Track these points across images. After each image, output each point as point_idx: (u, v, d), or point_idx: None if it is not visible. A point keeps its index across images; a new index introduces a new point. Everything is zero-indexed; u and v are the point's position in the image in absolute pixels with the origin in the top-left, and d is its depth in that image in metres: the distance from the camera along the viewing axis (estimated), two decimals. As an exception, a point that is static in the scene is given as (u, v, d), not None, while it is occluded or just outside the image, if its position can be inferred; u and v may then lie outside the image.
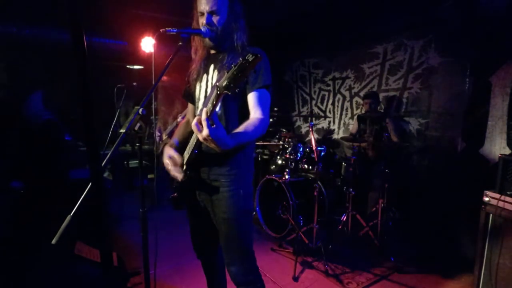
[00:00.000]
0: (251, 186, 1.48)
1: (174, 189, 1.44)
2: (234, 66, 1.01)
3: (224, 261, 1.43)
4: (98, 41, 4.49)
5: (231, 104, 1.33)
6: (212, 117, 1.10)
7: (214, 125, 1.09)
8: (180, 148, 1.49)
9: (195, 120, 1.08)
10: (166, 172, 1.42)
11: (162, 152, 1.47)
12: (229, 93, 1.04)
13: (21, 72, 3.81)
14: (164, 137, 3.81)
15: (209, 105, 1.12)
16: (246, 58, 1.00)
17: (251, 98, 1.31)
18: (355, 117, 3.82)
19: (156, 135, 3.93)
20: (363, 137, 3.44)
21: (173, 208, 1.46)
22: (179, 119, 3.88)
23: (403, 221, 3.17)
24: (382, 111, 3.79)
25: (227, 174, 1.35)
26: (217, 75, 1.36)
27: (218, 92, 1.06)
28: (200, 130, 1.07)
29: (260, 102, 1.31)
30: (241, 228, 1.39)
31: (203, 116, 1.08)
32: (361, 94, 4.07)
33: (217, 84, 1.05)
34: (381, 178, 3.06)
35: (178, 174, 1.37)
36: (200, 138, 1.09)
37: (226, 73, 1.04)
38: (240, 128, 1.23)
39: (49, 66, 3.89)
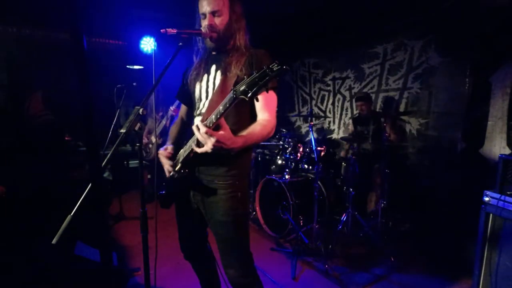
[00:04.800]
0: (249, 187, 1.47)
1: (163, 187, 1.43)
2: (257, 72, 0.98)
3: (221, 263, 1.42)
4: (98, 41, 4.50)
5: (240, 105, 1.31)
6: (218, 123, 1.09)
7: (220, 131, 1.08)
8: (175, 147, 1.48)
9: (202, 129, 1.07)
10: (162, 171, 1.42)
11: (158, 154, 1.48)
12: (246, 99, 1.00)
13: (21, 72, 3.81)
14: (154, 139, 3.81)
15: (221, 107, 1.10)
16: (271, 66, 0.96)
17: (259, 100, 1.29)
18: (351, 119, 3.83)
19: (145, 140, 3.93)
20: (362, 138, 3.45)
21: (160, 206, 1.45)
22: (163, 121, 3.89)
23: (403, 221, 3.17)
24: (380, 111, 3.79)
25: (224, 175, 1.33)
26: (220, 75, 1.35)
27: (234, 96, 1.03)
28: (206, 141, 1.08)
29: (268, 104, 1.29)
30: (238, 231, 1.37)
31: (202, 130, 1.07)
32: (361, 94, 4.07)
33: (235, 87, 1.02)
34: (381, 178, 3.06)
35: (169, 168, 1.37)
36: (208, 149, 1.09)
37: (245, 77, 1.00)
38: (247, 130, 1.23)
39: (49, 66, 3.89)
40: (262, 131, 1.24)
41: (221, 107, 1.09)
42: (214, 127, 1.11)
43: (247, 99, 1.00)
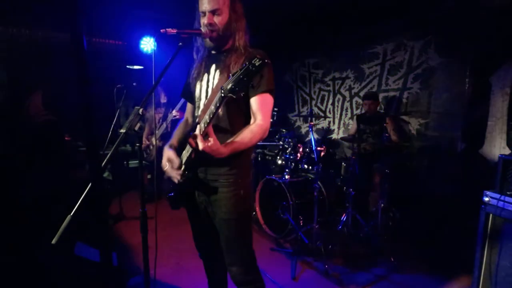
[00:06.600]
0: (251, 186, 1.48)
1: (171, 189, 1.44)
2: (240, 69, 1.02)
3: (225, 261, 1.43)
4: (98, 41, 4.50)
5: (235, 106, 1.33)
6: (207, 130, 1.13)
7: (210, 139, 1.11)
8: (179, 148, 1.48)
9: (194, 136, 1.13)
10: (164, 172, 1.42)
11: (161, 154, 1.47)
12: (234, 97, 1.04)
13: (21, 72, 3.80)
14: (155, 140, 3.79)
15: (212, 107, 1.13)
16: (253, 62, 1.00)
17: (254, 103, 1.31)
18: (354, 117, 3.83)
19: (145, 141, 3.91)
20: (363, 138, 3.45)
21: (171, 207, 1.45)
22: (164, 124, 3.87)
23: (403, 221, 3.17)
24: (382, 111, 3.79)
25: (226, 174, 1.34)
26: (219, 75, 1.35)
27: (223, 95, 1.06)
28: (195, 146, 1.12)
29: (262, 107, 1.30)
30: (241, 229, 1.39)
31: (197, 132, 1.11)
32: (361, 94, 4.07)
33: (222, 86, 1.06)
34: (381, 178, 3.06)
35: (176, 176, 1.36)
36: (199, 148, 1.13)
37: (231, 75, 1.04)
38: (237, 137, 1.25)
39: (49, 66, 3.89)
40: (252, 137, 1.26)
41: (212, 107, 1.13)
42: (207, 130, 1.15)
43: (234, 96, 1.04)
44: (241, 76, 1.01)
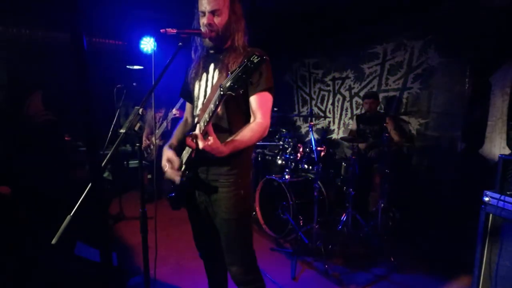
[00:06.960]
0: (251, 185, 1.48)
1: (172, 189, 1.44)
2: (239, 67, 1.02)
3: (225, 261, 1.43)
4: (98, 41, 4.49)
5: (234, 105, 1.33)
6: (207, 129, 1.13)
7: (209, 138, 1.11)
8: (179, 148, 1.48)
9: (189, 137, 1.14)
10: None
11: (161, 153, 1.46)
12: (233, 94, 1.04)
13: (21, 72, 3.80)
14: (155, 140, 3.79)
15: (211, 105, 1.13)
16: (251, 59, 1.00)
17: (253, 101, 1.31)
18: (354, 117, 3.83)
19: (145, 140, 3.91)
20: (363, 137, 3.45)
21: (171, 208, 1.45)
22: (164, 123, 3.87)
23: (403, 221, 3.18)
24: (382, 111, 3.79)
25: (227, 174, 1.34)
26: (218, 74, 1.35)
27: (222, 93, 1.06)
28: (195, 145, 1.12)
29: (262, 105, 1.30)
30: (241, 229, 1.39)
31: (197, 131, 1.11)
32: (361, 94, 4.07)
33: (221, 84, 1.06)
34: (381, 178, 3.06)
35: (175, 177, 1.36)
36: (199, 147, 1.13)
37: (230, 73, 1.04)
38: (237, 135, 1.25)
39: (49, 66, 3.89)
40: (253, 136, 1.27)
41: (212, 105, 1.13)
42: (207, 128, 1.15)
43: (233, 94, 1.04)
44: (240, 74, 1.01)
